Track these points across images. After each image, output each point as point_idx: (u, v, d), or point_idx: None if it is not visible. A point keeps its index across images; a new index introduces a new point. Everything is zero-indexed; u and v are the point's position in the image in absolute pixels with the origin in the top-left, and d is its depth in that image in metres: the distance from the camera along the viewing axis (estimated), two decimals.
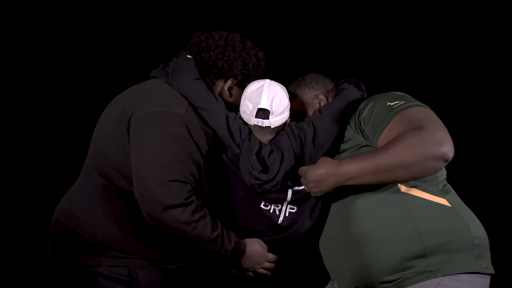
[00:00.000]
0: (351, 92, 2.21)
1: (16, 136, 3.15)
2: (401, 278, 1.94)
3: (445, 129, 1.85)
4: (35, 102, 3.16)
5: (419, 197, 1.99)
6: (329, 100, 2.26)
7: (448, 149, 1.80)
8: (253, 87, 2.17)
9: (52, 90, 3.17)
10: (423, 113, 1.91)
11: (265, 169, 2.09)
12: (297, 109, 2.30)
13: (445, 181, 2.09)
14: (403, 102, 1.95)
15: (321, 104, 2.26)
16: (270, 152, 2.11)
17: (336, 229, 2.09)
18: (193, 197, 1.96)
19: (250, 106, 2.14)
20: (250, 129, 2.18)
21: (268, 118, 2.13)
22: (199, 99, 2.10)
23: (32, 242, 3.07)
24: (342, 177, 1.93)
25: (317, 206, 2.16)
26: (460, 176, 2.93)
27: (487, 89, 3.18)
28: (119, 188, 2.04)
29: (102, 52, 3.15)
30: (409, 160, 1.81)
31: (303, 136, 2.13)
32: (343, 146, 2.11)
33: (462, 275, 1.91)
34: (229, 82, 2.21)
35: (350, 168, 1.92)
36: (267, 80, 2.17)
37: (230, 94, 2.23)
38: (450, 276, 1.91)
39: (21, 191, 3.16)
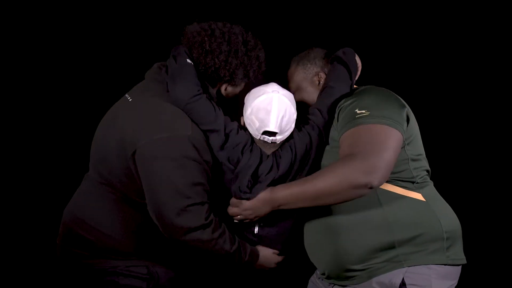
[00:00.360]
0: (342, 83, 2.21)
1: (18, 136, 3.16)
2: (368, 268, 2.02)
3: (382, 155, 1.91)
4: (36, 102, 3.16)
5: (392, 191, 2.05)
6: None
7: (371, 179, 1.88)
8: (260, 102, 2.07)
9: (51, 88, 3.16)
10: (373, 133, 1.96)
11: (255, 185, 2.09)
12: (297, 83, 2.33)
13: (425, 176, 2.14)
14: (368, 113, 2.00)
15: (321, 82, 2.30)
16: (270, 169, 2.08)
17: (314, 218, 2.15)
18: (211, 216, 2.01)
19: (257, 123, 2.07)
20: (252, 139, 2.13)
21: (274, 136, 2.08)
22: (199, 118, 2.04)
23: (39, 244, 3.10)
24: (276, 203, 2.04)
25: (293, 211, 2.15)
26: (458, 174, 3.09)
27: (481, 87, 3.19)
28: (129, 199, 2.06)
29: (99, 47, 3.13)
30: (334, 190, 1.92)
31: (309, 139, 2.12)
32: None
33: (430, 264, 2.00)
34: (226, 84, 2.18)
35: (282, 195, 2.02)
36: (275, 94, 2.08)
37: (226, 93, 2.20)
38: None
39: (25, 192, 3.17)
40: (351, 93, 2.20)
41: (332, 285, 2.17)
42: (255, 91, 2.13)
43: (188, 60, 2.08)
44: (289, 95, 2.14)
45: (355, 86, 2.31)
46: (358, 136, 1.96)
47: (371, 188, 1.90)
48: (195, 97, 2.03)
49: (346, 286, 2.09)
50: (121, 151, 2.00)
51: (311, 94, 2.31)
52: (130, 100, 2.10)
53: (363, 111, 2.00)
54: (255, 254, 2.15)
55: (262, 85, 2.15)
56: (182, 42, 2.16)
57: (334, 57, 2.30)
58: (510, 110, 3.15)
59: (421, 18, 3.16)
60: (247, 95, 2.18)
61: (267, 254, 2.20)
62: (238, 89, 2.20)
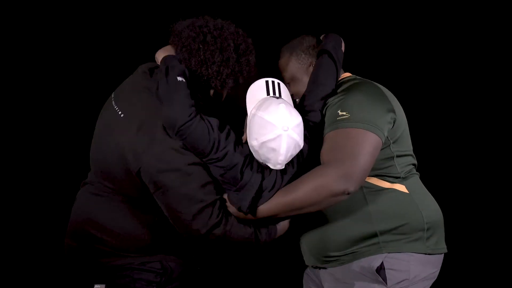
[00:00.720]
0: (333, 80, 2.19)
1: (17, 138, 3.18)
2: (351, 253, 2.11)
3: (357, 161, 1.96)
4: (35, 103, 3.18)
5: (376, 184, 2.12)
6: None
7: (347, 185, 1.95)
8: (268, 141, 1.92)
9: (50, 89, 3.18)
10: (349, 138, 2.00)
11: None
12: (291, 74, 2.28)
13: (412, 169, 2.20)
14: (348, 116, 2.03)
15: None
16: (273, 184, 2.03)
17: None
18: (222, 211, 2.04)
19: (262, 157, 1.97)
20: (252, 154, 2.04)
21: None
22: (190, 146, 2.00)
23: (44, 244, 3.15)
24: (258, 217, 2.06)
25: None
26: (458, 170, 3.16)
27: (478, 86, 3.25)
28: (139, 203, 2.11)
29: (99, 49, 3.15)
30: (314, 201, 1.99)
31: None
32: None
33: (410, 252, 2.09)
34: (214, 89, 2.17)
35: (264, 209, 2.04)
36: (285, 133, 1.91)
37: (214, 95, 2.18)
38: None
39: (24, 193, 3.20)
40: (339, 87, 2.20)
41: (318, 269, 2.26)
42: (263, 122, 1.94)
43: (179, 78, 2.02)
44: (299, 128, 1.97)
45: (349, 74, 2.30)
46: (335, 140, 2.02)
47: (348, 194, 1.96)
48: (186, 124, 1.96)
49: (328, 268, 2.18)
50: (124, 168, 2.03)
51: (306, 85, 2.26)
52: (122, 115, 2.08)
53: (344, 113, 2.04)
54: (274, 230, 2.15)
55: (271, 111, 1.94)
56: (174, 46, 2.13)
57: (324, 49, 2.25)
58: (495, 107, 3.23)
59: (412, 11, 3.19)
60: (253, 115, 1.99)
61: (285, 226, 2.19)
62: (225, 91, 2.18)
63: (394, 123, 2.10)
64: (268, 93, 2.08)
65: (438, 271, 2.18)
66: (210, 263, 2.39)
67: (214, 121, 2.02)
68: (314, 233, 2.18)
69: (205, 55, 2.06)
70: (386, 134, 2.06)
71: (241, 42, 2.13)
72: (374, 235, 2.09)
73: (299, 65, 2.28)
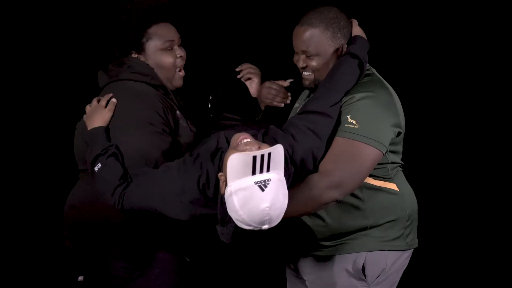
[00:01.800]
0: (348, 86, 2.07)
1: (17, 136, 3.24)
2: (338, 245, 2.15)
3: (355, 174, 1.99)
4: (35, 103, 3.23)
5: (370, 183, 2.13)
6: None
7: (337, 194, 1.98)
8: (251, 216, 1.72)
9: (49, 89, 3.23)
10: (353, 151, 1.99)
11: None
12: (319, 49, 2.11)
13: (398, 166, 2.22)
14: (357, 127, 2.01)
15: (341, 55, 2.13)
16: None
17: None
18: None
19: (245, 223, 1.76)
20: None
21: None
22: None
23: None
24: None
25: None
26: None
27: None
28: None
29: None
30: (302, 212, 2.03)
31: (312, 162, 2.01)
32: None
33: (389, 250, 2.15)
34: (137, 56, 2.26)
35: None
36: (268, 205, 1.70)
37: (151, 62, 2.26)
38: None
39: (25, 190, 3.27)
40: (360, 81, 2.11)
41: (301, 257, 2.26)
42: (239, 218, 1.73)
43: (96, 168, 2.07)
44: (282, 206, 1.76)
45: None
46: (338, 149, 2.01)
47: (335, 201, 2.01)
48: (120, 202, 2.00)
49: (310, 259, 2.21)
50: None
51: (331, 65, 2.12)
52: None
53: (353, 122, 2.01)
54: None
55: (252, 214, 1.72)
56: None
57: (354, 54, 2.08)
58: (471, 101, 3.33)
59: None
60: (230, 196, 1.74)
61: None
62: (152, 57, 2.25)
63: (398, 135, 2.12)
64: (254, 172, 1.72)
65: (410, 254, 2.25)
66: (198, 253, 2.43)
67: (144, 184, 2.00)
68: (305, 223, 2.19)
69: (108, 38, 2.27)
70: (388, 146, 2.07)
71: (125, 14, 2.26)
72: (364, 229, 2.13)
73: (332, 42, 2.11)
